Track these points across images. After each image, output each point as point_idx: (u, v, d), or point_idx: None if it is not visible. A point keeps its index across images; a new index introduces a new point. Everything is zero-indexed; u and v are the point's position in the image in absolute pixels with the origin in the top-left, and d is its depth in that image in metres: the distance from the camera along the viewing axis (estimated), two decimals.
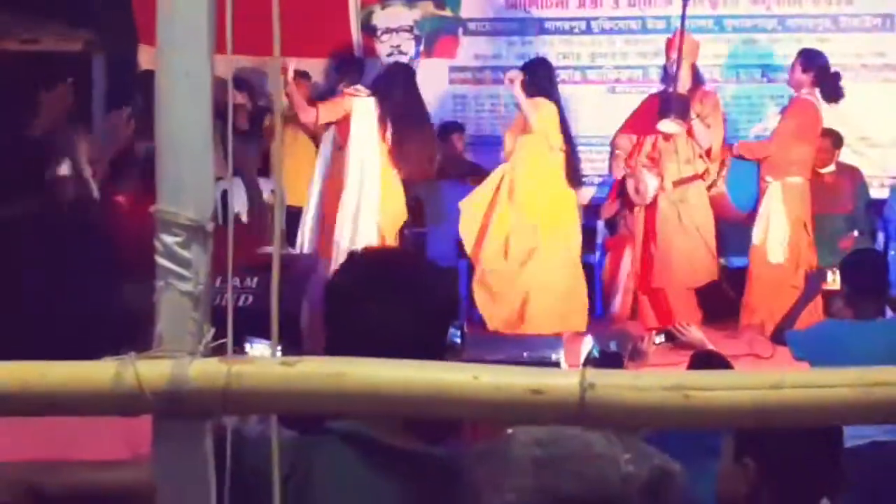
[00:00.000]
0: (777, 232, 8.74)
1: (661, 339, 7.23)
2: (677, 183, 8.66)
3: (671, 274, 8.64)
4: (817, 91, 8.86)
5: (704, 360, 4.92)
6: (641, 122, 8.87)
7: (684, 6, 8.45)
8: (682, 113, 8.44)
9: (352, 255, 2.53)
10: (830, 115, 9.88)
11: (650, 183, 8.63)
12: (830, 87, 8.93)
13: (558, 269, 8.58)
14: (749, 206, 9.06)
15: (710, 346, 5.82)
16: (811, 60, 8.97)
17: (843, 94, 8.96)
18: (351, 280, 2.39)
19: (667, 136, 8.64)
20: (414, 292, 2.36)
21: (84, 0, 10.13)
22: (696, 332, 5.92)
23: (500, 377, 1.82)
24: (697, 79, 8.80)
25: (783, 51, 10.33)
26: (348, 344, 2.14)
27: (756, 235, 8.87)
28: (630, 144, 8.88)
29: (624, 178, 9.03)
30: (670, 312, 8.58)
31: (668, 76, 8.76)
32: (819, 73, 8.92)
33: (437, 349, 2.30)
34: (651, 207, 8.69)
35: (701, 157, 8.75)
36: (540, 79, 8.71)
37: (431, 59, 10.59)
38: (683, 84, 8.59)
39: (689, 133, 8.58)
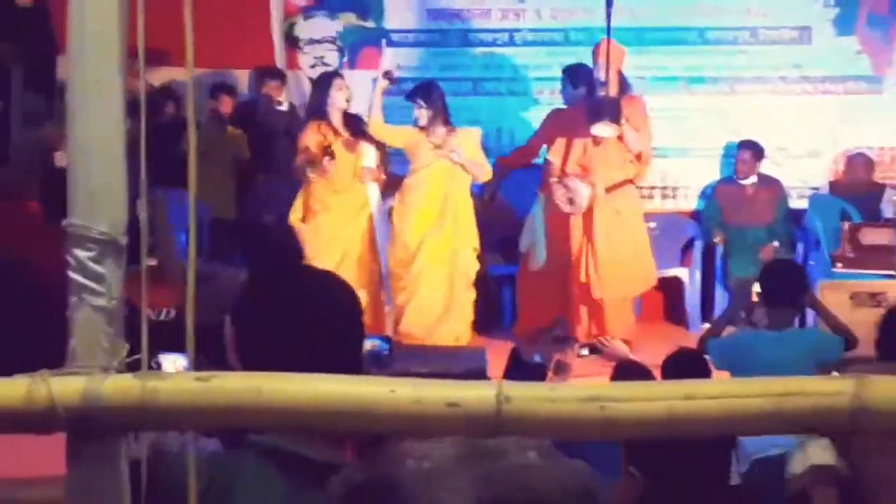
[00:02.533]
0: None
1: (585, 351, 7.28)
2: (610, 189, 8.67)
3: (611, 284, 8.63)
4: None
5: (627, 370, 4.97)
6: (568, 129, 8.85)
7: (608, 12, 8.48)
8: (615, 116, 8.46)
9: (254, 276, 2.53)
10: (751, 127, 10.01)
11: (583, 191, 8.61)
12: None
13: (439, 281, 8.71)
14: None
15: (633, 358, 5.87)
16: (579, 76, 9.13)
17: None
18: (258, 298, 2.39)
19: (597, 141, 8.64)
20: (319, 308, 2.36)
21: (2, 12, 10.01)
22: (619, 345, 5.97)
23: (417, 390, 1.82)
24: (624, 85, 8.83)
25: (704, 63, 10.46)
26: (262, 362, 2.12)
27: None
28: (558, 157, 8.85)
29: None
30: (605, 322, 8.60)
31: (595, 82, 8.77)
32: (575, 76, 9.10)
33: (350, 364, 2.29)
34: (586, 216, 8.67)
35: (632, 161, 8.76)
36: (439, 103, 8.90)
37: (355, 71, 10.57)
38: (612, 89, 8.61)
39: (620, 138, 8.58)
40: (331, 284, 2.45)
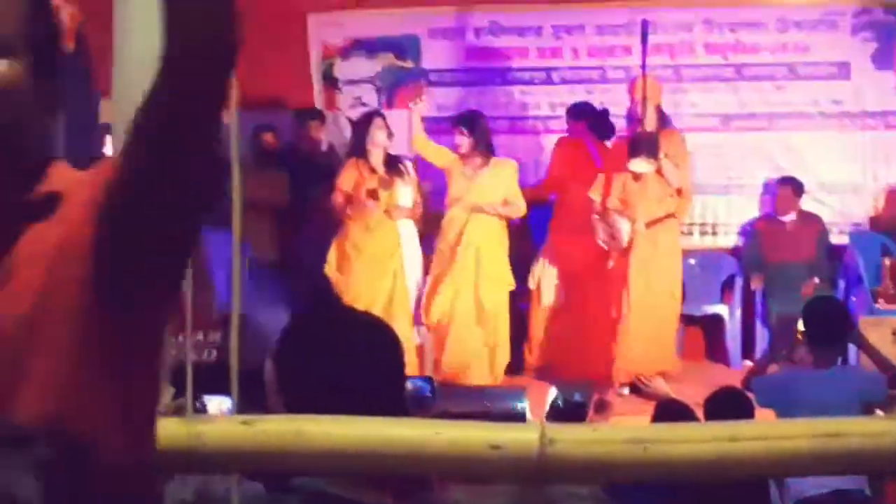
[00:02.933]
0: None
1: (626, 390, 7.26)
2: (650, 223, 8.64)
3: (647, 319, 8.60)
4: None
5: (668, 409, 4.95)
6: (608, 166, 8.87)
7: (644, 48, 8.49)
8: (652, 151, 8.45)
9: (297, 317, 2.53)
10: (790, 163, 9.97)
11: (623, 227, 8.60)
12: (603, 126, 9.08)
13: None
14: None
15: (674, 396, 5.85)
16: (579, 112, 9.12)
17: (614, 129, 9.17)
18: (301, 340, 2.39)
19: (637, 177, 8.63)
20: (362, 350, 2.36)
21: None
22: (659, 384, 5.95)
23: (460, 433, 1.82)
24: (663, 119, 8.81)
25: (742, 99, 10.46)
26: (304, 404, 2.13)
27: None
28: (597, 194, 8.85)
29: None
30: (645, 359, 8.53)
31: (633, 118, 8.77)
32: (590, 118, 9.12)
33: (394, 406, 2.29)
34: (627, 252, 8.64)
35: (672, 196, 8.72)
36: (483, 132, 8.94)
37: (393, 111, 10.61)
38: (649, 125, 8.61)
39: (659, 172, 8.57)
40: (373, 326, 2.45)
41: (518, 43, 10.85)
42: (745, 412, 4.89)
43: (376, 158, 8.90)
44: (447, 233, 8.87)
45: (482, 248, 8.77)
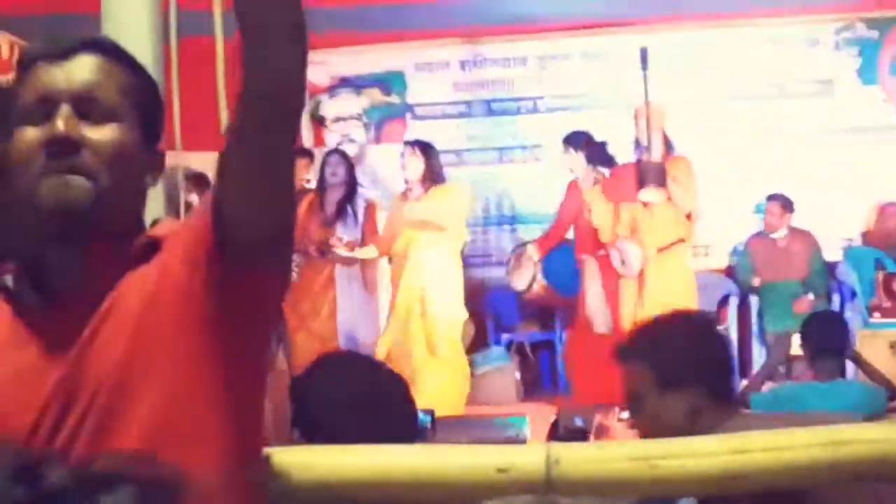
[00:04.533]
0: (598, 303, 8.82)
1: (625, 414, 7.20)
2: (661, 249, 8.61)
3: None
4: (587, 165, 8.97)
5: None
6: (617, 191, 8.83)
7: (644, 75, 8.51)
8: (659, 180, 8.46)
9: (320, 359, 2.60)
10: (781, 182, 9.99)
11: (634, 252, 8.57)
12: (600, 155, 9.06)
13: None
14: (573, 288, 9.09)
15: None
16: (577, 140, 9.10)
17: (614, 160, 9.05)
18: (319, 383, 2.45)
19: (646, 204, 8.61)
20: (377, 400, 2.43)
21: None
22: None
23: (467, 457, 1.82)
24: (669, 146, 8.80)
25: (730, 118, 10.51)
26: (320, 440, 2.17)
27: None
28: (606, 222, 8.81)
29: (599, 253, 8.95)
30: None
31: (640, 145, 8.77)
32: (587, 148, 9.06)
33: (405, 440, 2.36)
34: (639, 278, 8.60)
35: (681, 221, 8.69)
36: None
37: (380, 145, 10.65)
38: (656, 152, 8.60)
39: (669, 199, 8.55)
40: (381, 367, 2.53)
41: (503, 74, 10.89)
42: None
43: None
44: (396, 261, 8.64)
45: (431, 276, 8.43)
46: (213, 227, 1.67)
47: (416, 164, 8.48)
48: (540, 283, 9.26)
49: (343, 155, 9.08)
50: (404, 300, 8.42)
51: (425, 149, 8.60)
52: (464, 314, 8.57)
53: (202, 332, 1.67)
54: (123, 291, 1.69)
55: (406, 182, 8.57)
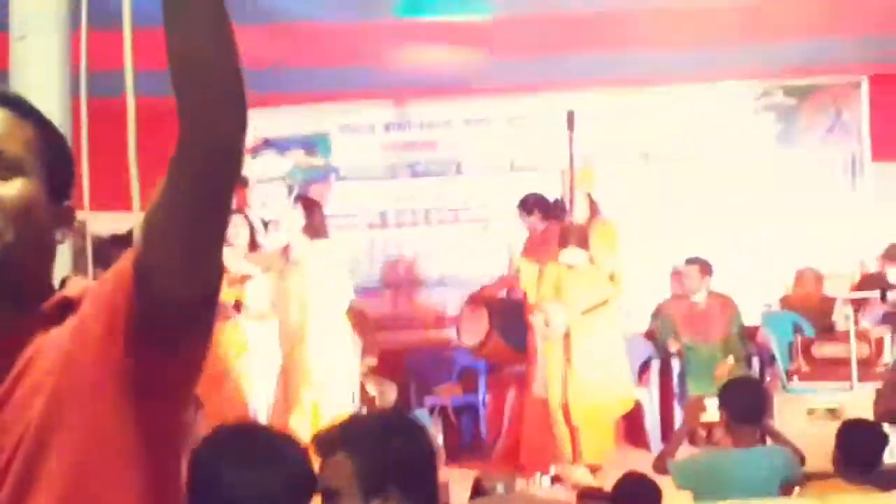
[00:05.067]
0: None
1: (546, 480, 7.21)
2: (586, 311, 8.63)
3: (590, 408, 8.53)
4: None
5: (589, 498, 4.98)
6: (540, 253, 8.86)
7: (571, 139, 8.58)
8: (581, 242, 8.53)
9: (218, 429, 2.58)
10: (699, 245, 10.09)
11: (558, 315, 8.58)
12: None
13: None
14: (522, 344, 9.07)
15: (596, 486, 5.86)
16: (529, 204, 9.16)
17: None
18: (217, 451, 2.42)
19: (570, 266, 8.65)
20: (274, 464, 2.41)
21: None
22: (582, 475, 5.96)
23: None
24: (594, 208, 8.86)
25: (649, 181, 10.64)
26: None
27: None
28: (531, 284, 8.83)
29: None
30: (583, 447, 8.48)
31: (563, 207, 8.82)
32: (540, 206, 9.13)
33: None
34: (564, 341, 8.59)
35: (605, 283, 8.71)
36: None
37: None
38: (581, 213, 8.66)
39: (592, 261, 8.60)
40: (283, 438, 2.52)
41: (427, 136, 10.94)
42: (653, 498, 4.93)
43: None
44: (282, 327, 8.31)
45: (315, 343, 8.12)
46: (133, 287, 1.62)
47: (298, 218, 8.28)
48: (494, 339, 9.23)
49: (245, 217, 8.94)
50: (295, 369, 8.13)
51: (309, 204, 8.46)
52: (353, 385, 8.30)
53: (118, 394, 1.63)
54: (36, 353, 1.65)
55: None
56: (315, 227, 8.30)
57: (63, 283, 1.79)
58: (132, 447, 1.65)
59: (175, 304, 1.61)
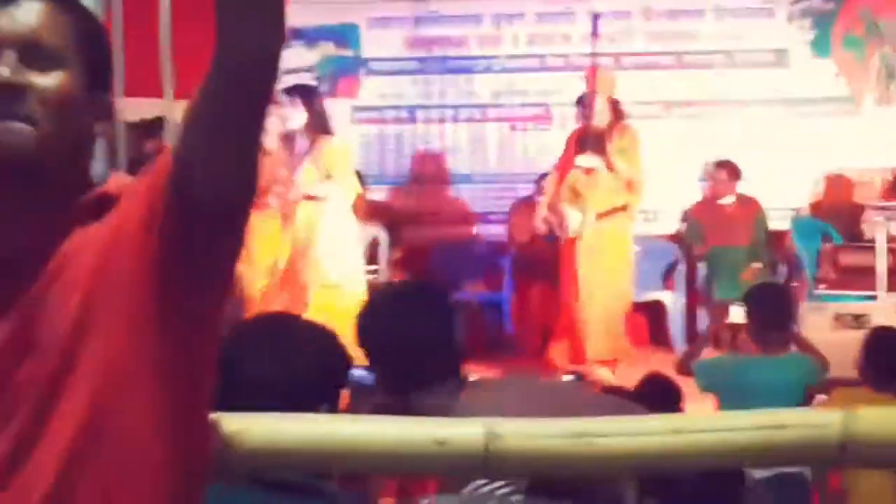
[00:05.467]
0: None
1: (569, 378, 7.26)
2: (601, 215, 8.63)
3: (593, 304, 8.58)
4: None
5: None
6: (564, 157, 8.86)
7: (594, 40, 8.50)
8: (599, 147, 8.48)
9: (242, 321, 2.57)
10: (730, 150, 10.02)
11: (573, 217, 8.60)
12: None
13: None
14: None
15: (617, 385, 5.89)
16: None
17: None
18: (244, 340, 2.42)
19: (587, 170, 8.62)
20: (302, 350, 2.41)
21: None
22: (603, 374, 5.98)
23: (406, 429, 1.81)
24: (616, 113, 8.78)
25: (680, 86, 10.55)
26: (243, 398, 2.14)
27: None
28: (553, 182, 8.84)
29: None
30: (592, 343, 8.54)
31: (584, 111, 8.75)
32: None
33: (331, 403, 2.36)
34: (574, 241, 8.63)
35: (623, 189, 8.67)
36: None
37: (334, 99, 10.57)
38: (602, 118, 8.58)
39: (609, 166, 8.55)
40: (312, 328, 2.51)
41: (458, 32, 10.85)
42: (674, 398, 4.96)
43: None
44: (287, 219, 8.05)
45: (323, 238, 7.94)
46: (173, 186, 1.62)
47: (299, 113, 7.93)
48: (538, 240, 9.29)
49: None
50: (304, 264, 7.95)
51: (307, 96, 8.06)
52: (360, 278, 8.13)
53: (155, 298, 1.64)
54: (73, 250, 1.65)
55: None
56: (317, 122, 8.01)
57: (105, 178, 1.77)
58: (164, 357, 1.65)
59: (212, 206, 1.62)
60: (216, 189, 1.62)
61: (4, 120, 1.63)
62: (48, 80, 1.67)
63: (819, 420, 1.72)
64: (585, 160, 8.52)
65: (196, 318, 1.69)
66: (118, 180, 1.76)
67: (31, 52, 1.67)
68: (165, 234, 1.63)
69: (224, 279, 1.74)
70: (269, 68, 1.62)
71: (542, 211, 8.88)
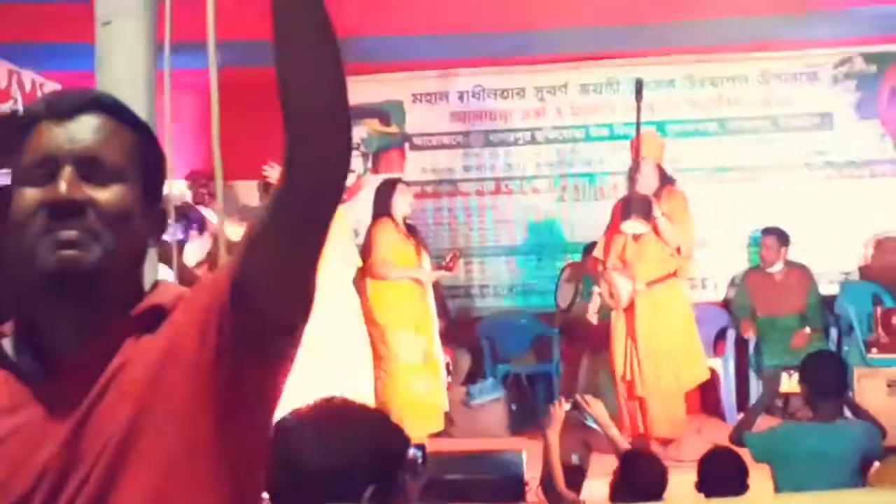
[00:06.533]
0: None
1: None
2: (651, 283, 8.53)
3: (656, 380, 8.42)
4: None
5: (633, 459, 5.03)
6: (611, 225, 8.79)
7: (638, 106, 8.47)
8: (645, 212, 8.40)
9: (298, 410, 2.57)
10: (777, 215, 9.98)
11: (623, 286, 8.50)
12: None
13: None
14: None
15: (611, 426, 5.89)
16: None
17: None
18: (301, 431, 2.42)
19: (635, 237, 8.55)
20: (360, 440, 2.41)
21: None
22: (598, 408, 5.99)
23: None
24: (664, 178, 8.70)
25: (726, 153, 10.54)
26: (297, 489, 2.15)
27: None
28: (600, 252, 8.75)
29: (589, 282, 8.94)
30: (651, 420, 8.42)
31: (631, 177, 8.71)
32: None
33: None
34: (628, 311, 8.54)
35: (672, 255, 8.58)
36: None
37: (378, 175, 10.62)
38: (649, 184, 8.49)
39: (657, 232, 8.45)
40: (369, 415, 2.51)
41: (502, 105, 10.90)
42: (738, 470, 4.92)
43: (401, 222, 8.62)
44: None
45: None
46: (229, 303, 1.66)
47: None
48: (580, 304, 9.22)
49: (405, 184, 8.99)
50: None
51: None
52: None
53: (207, 408, 1.66)
54: (127, 360, 1.67)
55: None
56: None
57: (154, 286, 1.81)
58: (217, 464, 1.67)
59: (272, 320, 1.66)
60: (280, 308, 1.66)
61: (65, 234, 1.65)
62: (107, 195, 1.69)
63: (882, 500, 1.71)
64: (631, 226, 8.44)
65: (249, 420, 1.71)
66: (169, 290, 1.79)
67: (89, 166, 1.69)
68: (221, 351, 1.66)
69: (277, 385, 1.75)
70: (336, 190, 1.66)
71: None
